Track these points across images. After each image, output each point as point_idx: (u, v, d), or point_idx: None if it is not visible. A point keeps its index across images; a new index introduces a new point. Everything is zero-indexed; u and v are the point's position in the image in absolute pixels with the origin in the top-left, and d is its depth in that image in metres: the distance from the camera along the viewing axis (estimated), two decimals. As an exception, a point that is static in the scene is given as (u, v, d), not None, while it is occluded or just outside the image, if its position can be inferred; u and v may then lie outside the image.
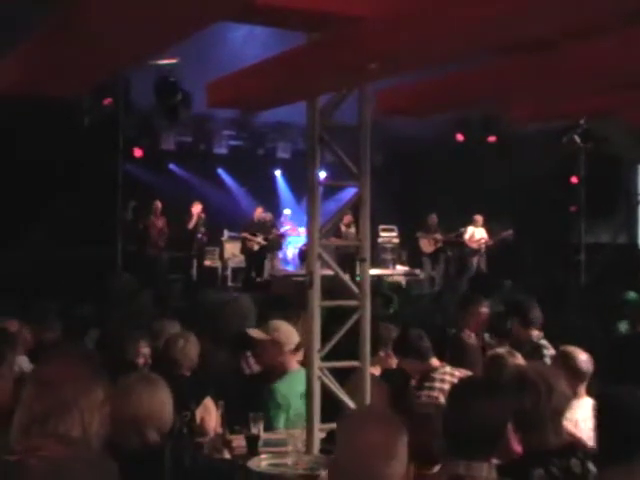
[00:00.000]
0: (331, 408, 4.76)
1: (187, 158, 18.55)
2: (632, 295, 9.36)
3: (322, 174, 5.84)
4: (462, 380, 4.53)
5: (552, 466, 3.49)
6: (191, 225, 16.60)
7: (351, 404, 4.81)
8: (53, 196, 14.66)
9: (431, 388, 5.47)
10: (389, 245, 19.79)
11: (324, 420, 4.76)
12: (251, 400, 5.31)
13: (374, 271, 15.42)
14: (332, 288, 5.26)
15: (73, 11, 3.98)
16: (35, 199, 14.30)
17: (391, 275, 18.47)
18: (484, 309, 7.24)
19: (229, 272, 18.19)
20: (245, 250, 17.46)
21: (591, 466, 3.52)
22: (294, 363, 5.59)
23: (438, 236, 18.34)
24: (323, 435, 4.72)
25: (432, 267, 18.50)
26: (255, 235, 17.34)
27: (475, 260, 18.04)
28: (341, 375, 4.98)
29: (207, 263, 17.82)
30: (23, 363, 5.70)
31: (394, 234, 19.90)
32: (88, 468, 2.66)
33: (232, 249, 18.24)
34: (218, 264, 18.26)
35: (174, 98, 12.87)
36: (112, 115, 13.74)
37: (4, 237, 13.64)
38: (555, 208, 17.21)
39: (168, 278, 15.49)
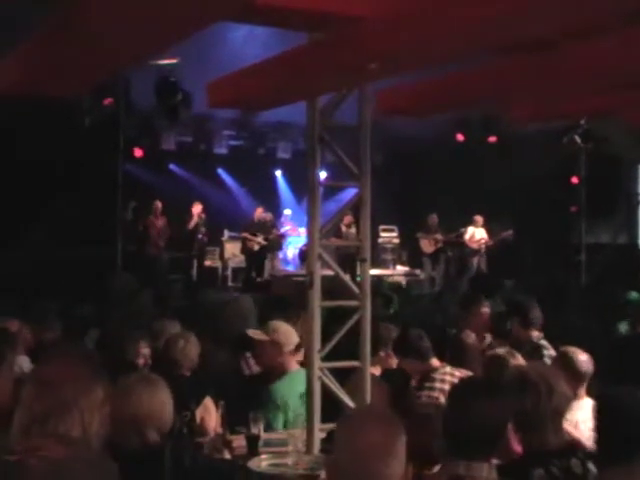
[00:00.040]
0: (331, 408, 4.76)
1: (187, 158, 18.55)
2: (634, 295, 9.36)
3: (322, 174, 5.84)
4: (462, 380, 4.53)
5: (552, 466, 3.49)
6: (191, 226, 16.60)
7: (351, 404, 4.81)
8: (53, 196, 14.66)
9: (431, 388, 5.47)
10: (389, 245, 19.79)
11: (324, 420, 4.76)
12: (251, 400, 5.31)
13: (374, 271, 15.42)
14: (332, 288, 5.26)
15: (73, 11, 3.98)
16: (35, 199, 14.30)
17: (391, 275, 18.47)
18: (485, 309, 7.24)
19: (229, 272, 18.19)
20: (245, 250, 17.46)
21: (591, 466, 3.52)
22: (294, 364, 5.59)
23: (438, 236, 18.34)
24: (323, 435, 4.72)
25: (432, 267, 18.50)
26: (255, 235, 17.35)
27: (475, 260, 18.05)
28: (341, 375, 4.98)
29: (207, 263, 17.83)
30: (24, 363, 5.69)
31: (394, 234, 19.91)
32: (88, 468, 2.66)
33: (232, 249, 18.25)
34: (218, 264, 18.27)
35: (174, 98, 12.87)
36: (112, 115, 13.74)
37: (4, 237, 13.64)
38: (555, 208, 17.21)
39: (168, 278, 15.49)
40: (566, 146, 15.48)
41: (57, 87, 5.20)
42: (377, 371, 5.72)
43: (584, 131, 15.08)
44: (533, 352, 6.21)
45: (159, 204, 16.12)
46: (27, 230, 14.28)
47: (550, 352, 6.24)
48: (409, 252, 19.92)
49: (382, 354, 5.94)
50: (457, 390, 3.64)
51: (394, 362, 5.98)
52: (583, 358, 5.07)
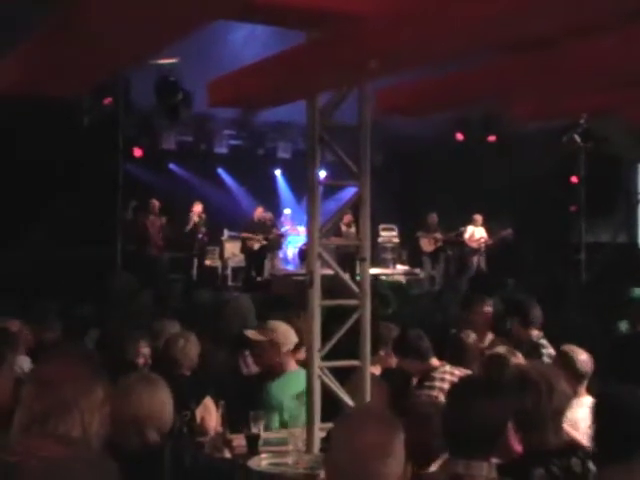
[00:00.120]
0: (331, 407, 4.77)
1: (187, 158, 18.55)
2: (638, 292, 9.37)
3: (322, 174, 5.84)
4: (462, 379, 4.53)
5: (553, 466, 3.49)
6: (189, 227, 16.58)
7: (351, 403, 4.81)
8: (53, 196, 14.65)
9: (431, 387, 5.47)
10: (389, 244, 19.78)
11: (324, 419, 4.76)
12: (250, 400, 5.31)
13: (374, 270, 15.42)
14: (332, 287, 5.27)
15: (73, 11, 3.98)
16: (35, 199, 14.30)
17: (391, 274, 18.47)
18: (487, 308, 7.24)
19: (229, 272, 18.19)
20: (245, 250, 17.46)
21: (591, 465, 3.52)
22: (292, 364, 5.59)
23: (438, 235, 18.34)
24: (323, 434, 4.72)
25: (432, 266, 18.50)
26: (255, 234, 17.35)
27: (475, 259, 18.05)
28: (341, 374, 4.99)
29: (207, 263, 17.82)
30: (24, 363, 5.69)
31: (394, 233, 19.90)
32: (88, 468, 2.66)
33: (232, 249, 18.24)
34: (218, 264, 18.27)
35: (174, 98, 12.88)
36: (112, 115, 13.74)
37: (4, 237, 13.63)
38: (555, 207, 17.21)
39: (168, 278, 15.49)
40: (566, 145, 15.48)
41: (57, 87, 5.20)
42: (377, 370, 5.72)
43: (584, 130, 15.08)
44: (532, 351, 6.21)
45: (156, 203, 16.09)
46: (27, 230, 14.27)
47: (549, 351, 6.24)
48: (409, 251, 19.92)
49: (382, 353, 5.94)
50: (457, 389, 3.64)
51: (394, 361, 5.98)
52: (583, 357, 5.08)
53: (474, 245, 18.06)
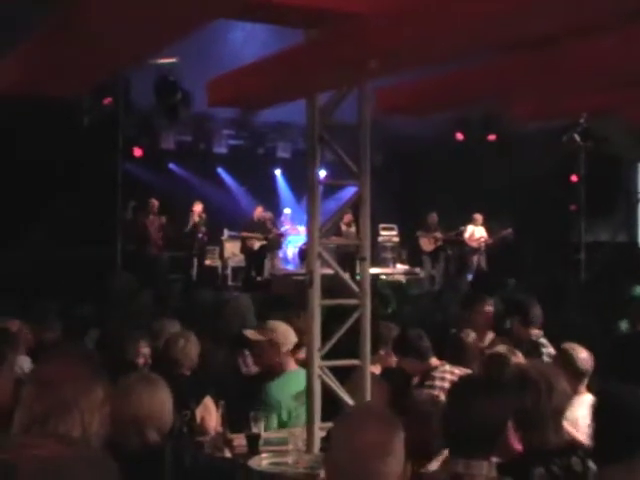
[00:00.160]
0: (331, 407, 4.77)
1: (187, 157, 18.55)
2: (639, 290, 9.37)
3: (322, 173, 5.84)
4: (462, 378, 4.53)
5: (553, 465, 3.49)
6: (188, 227, 16.57)
7: (351, 403, 4.81)
8: (53, 196, 14.65)
9: (431, 387, 5.47)
10: (389, 244, 19.77)
11: (324, 419, 4.76)
12: (250, 400, 5.32)
13: (374, 270, 15.42)
14: (332, 287, 5.27)
15: (73, 11, 3.99)
16: (35, 199, 14.30)
17: (391, 274, 18.47)
18: (488, 308, 7.24)
19: (229, 271, 18.18)
20: (245, 249, 17.45)
21: (592, 464, 3.52)
22: (292, 363, 5.59)
23: (438, 235, 18.34)
24: (323, 434, 4.72)
25: (432, 266, 18.50)
26: (255, 234, 17.34)
27: (475, 259, 18.07)
28: (341, 374, 4.99)
29: (207, 262, 17.81)
30: (24, 363, 5.69)
31: (394, 233, 19.89)
32: (88, 468, 2.66)
33: (232, 248, 18.24)
34: (218, 263, 18.26)
35: (174, 97, 12.88)
36: (112, 114, 13.74)
37: (4, 237, 13.63)
38: (555, 207, 17.22)
39: (168, 277, 15.49)
40: (566, 145, 15.49)
41: (57, 87, 5.21)
42: (377, 370, 5.72)
43: (583, 130, 15.09)
44: (532, 350, 6.21)
45: (155, 202, 16.09)
46: (27, 230, 14.27)
47: (549, 350, 6.25)
48: (409, 251, 19.91)
49: (382, 353, 5.94)
50: (457, 388, 3.64)
51: (394, 361, 5.98)
52: (583, 355, 5.09)
53: (474, 244, 18.06)
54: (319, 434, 4.75)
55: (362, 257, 5.06)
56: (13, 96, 5.67)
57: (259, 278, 16.97)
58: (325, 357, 4.88)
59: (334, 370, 4.93)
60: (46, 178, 14.44)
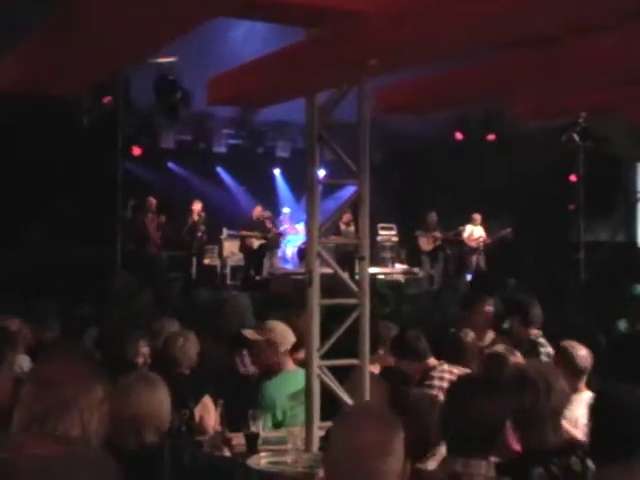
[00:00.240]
0: (330, 406, 4.77)
1: (186, 156, 18.55)
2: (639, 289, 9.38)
3: (321, 172, 5.86)
4: (461, 378, 4.54)
5: (552, 465, 3.49)
6: (188, 226, 16.57)
7: (350, 402, 4.81)
8: (53, 196, 14.65)
9: (430, 386, 5.47)
10: (388, 243, 19.76)
11: (323, 418, 4.76)
12: (249, 399, 5.32)
13: (372, 269, 15.42)
14: (331, 286, 5.27)
15: (73, 11, 3.99)
16: (35, 199, 14.29)
17: (389, 273, 18.47)
18: (488, 308, 7.24)
19: (228, 270, 18.17)
20: (244, 248, 17.44)
21: (591, 464, 3.52)
22: (290, 363, 5.59)
23: (437, 234, 18.34)
24: (322, 433, 4.72)
25: (431, 265, 18.50)
26: (254, 233, 17.35)
27: (474, 258, 18.07)
28: (340, 373, 4.99)
29: (206, 262, 17.80)
30: (24, 362, 5.69)
31: (393, 232, 19.88)
32: (87, 467, 2.66)
33: (231, 247, 18.23)
34: (217, 262, 18.25)
35: (173, 96, 12.88)
36: (111, 114, 13.73)
37: (4, 237, 13.63)
38: (554, 206, 17.21)
39: (168, 277, 15.48)
40: (565, 144, 15.48)
41: (57, 86, 5.21)
42: (376, 369, 5.72)
43: (582, 129, 15.08)
44: (530, 349, 6.22)
45: (153, 200, 16.08)
46: (27, 230, 14.26)
47: (547, 349, 6.26)
48: (408, 250, 19.90)
49: (381, 352, 5.94)
50: (455, 387, 3.64)
51: (393, 360, 5.98)
52: (582, 352, 5.10)
53: (473, 244, 18.07)
54: (318, 433, 4.75)
55: (361, 256, 5.06)
56: (12, 95, 5.67)
57: (258, 277, 16.97)
58: (324, 356, 4.89)
59: (333, 369, 4.93)
60: (46, 177, 14.43)
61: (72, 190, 14.69)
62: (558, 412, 3.75)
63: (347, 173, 5.07)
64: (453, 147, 17.83)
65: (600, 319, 8.56)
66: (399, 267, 19.43)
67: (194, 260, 17.08)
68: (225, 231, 18.45)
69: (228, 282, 17.58)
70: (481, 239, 18.02)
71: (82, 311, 8.54)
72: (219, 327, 7.16)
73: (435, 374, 5.55)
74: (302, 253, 16.73)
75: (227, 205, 19.13)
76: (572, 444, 3.78)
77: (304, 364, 5.04)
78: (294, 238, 18.93)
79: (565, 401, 3.86)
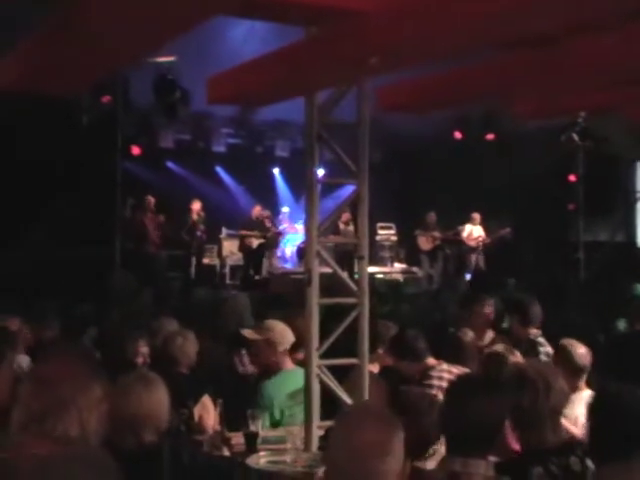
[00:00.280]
0: (330, 406, 4.77)
1: (185, 156, 18.54)
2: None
3: (320, 172, 5.85)
4: (460, 377, 4.53)
5: (551, 464, 3.49)
6: (187, 225, 16.55)
7: (349, 401, 4.81)
8: (52, 195, 14.63)
9: (429, 386, 5.47)
10: (387, 243, 19.74)
11: (323, 418, 4.76)
12: (247, 398, 5.32)
13: (371, 269, 15.42)
14: (330, 286, 5.27)
15: (73, 11, 3.99)
16: (34, 199, 14.28)
17: (388, 273, 18.46)
18: (488, 308, 7.25)
19: (227, 270, 18.16)
20: (243, 248, 17.43)
21: (590, 464, 3.52)
22: (288, 363, 5.59)
23: (436, 234, 18.32)
24: (322, 433, 4.72)
25: (430, 265, 18.48)
26: (253, 232, 17.34)
27: (473, 258, 18.06)
28: (340, 372, 4.99)
29: (206, 261, 17.79)
30: (23, 362, 5.69)
31: (392, 232, 19.87)
32: (87, 466, 2.66)
33: (230, 247, 18.21)
34: (216, 262, 18.24)
35: (173, 96, 12.88)
36: (111, 113, 13.73)
37: (4, 237, 13.62)
38: (554, 206, 17.21)
39: (167, 276, 15.47)
40: (564, 144, 15.48)
41: (57, 86, 5.21)
42: (375, 368, 5.72)
43: (582, 129, 15.09)
44: (529, 349, 6.22)
45: (152, 199, 16.05)
46: (27, 230, 14.25)
47: (546, 349, 6.26)
48: (407, 250, 19.88)
49: (380, 351, 5.94)
50: (455, 387, 3.64)
51: (392, 360, 5.98)
52: (581, 350, 5.11)
53: (472, 244, 18.06)
54: (317, 433, 4.76)
55: (360, 256, 5.06)
56: (12, 95, 5.66)
57: (257, 277, 16.96)
58: (323, 356, 4.89)
59: (332, 369, 4.93)
60: (45, 177, 14.42)
61: (71, 190, 14.67)
62: (557, 412, 3.75)
63: (346, 172, 5.08)
64: (453, 147, 17.83)
65: (600, 319, 8.57)
66: (398, 266, 19.42)
67: (193, 259, 17.06)
68: (224, 230, 18.44)
69: (227, 281, 17.57)
70: (480, 239, 18.01)
71: (82, 311, 8.54)
72: (218, 326, 7.16)
73: (434, 374, 5.54)
74: (301, 252, 16.72)
75: (226, 204, 19.11)
76: (571, 443, 3.78)
77: (303, 363, 5.04)
78: (293, 237, 18.92)
79: (564, 401, 3.87)
